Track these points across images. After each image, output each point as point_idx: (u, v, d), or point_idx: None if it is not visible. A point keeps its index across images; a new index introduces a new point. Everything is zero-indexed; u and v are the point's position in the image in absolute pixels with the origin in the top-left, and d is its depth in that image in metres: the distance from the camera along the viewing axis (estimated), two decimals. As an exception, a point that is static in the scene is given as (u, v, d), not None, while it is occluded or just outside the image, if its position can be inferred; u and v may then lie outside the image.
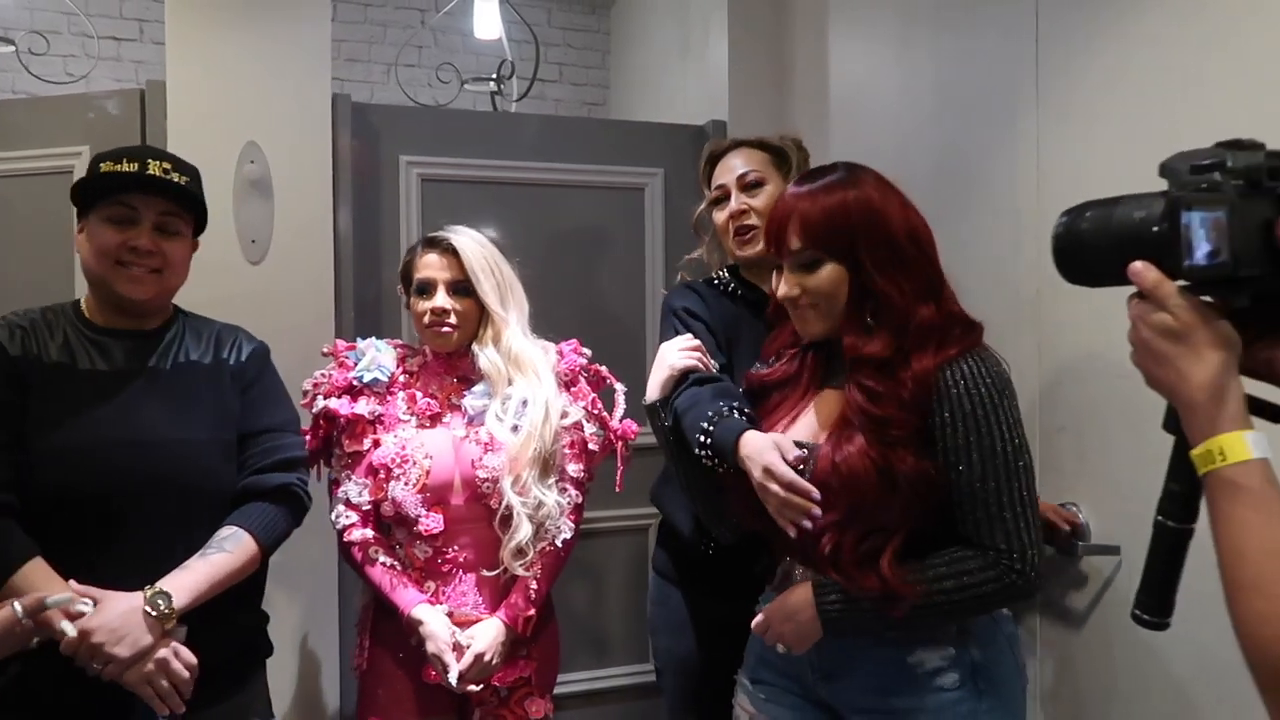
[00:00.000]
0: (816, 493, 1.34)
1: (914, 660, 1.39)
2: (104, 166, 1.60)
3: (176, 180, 1.61)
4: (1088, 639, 1.71)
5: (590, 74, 4.14)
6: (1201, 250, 0.77)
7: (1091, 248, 0.84)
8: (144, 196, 1.60)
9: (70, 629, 0.94)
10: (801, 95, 2.63)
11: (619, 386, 1.97)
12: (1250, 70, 1.39)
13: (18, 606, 0.91)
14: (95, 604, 1.46)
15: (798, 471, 1.37)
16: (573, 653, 2.51)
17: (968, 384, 1.33)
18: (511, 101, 3.22)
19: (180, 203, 1.63)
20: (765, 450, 1.39)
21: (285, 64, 2.30)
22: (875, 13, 2.36)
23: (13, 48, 2.72)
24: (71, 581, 1.47)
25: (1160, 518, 0.87)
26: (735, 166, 1.92)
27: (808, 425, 1.47)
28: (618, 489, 1.93)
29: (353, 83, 3.73)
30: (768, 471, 1.37)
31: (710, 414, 1.53)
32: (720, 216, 1.93)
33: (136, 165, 1.59)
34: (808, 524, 1.35)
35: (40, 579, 1.46)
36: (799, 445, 1.41)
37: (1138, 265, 0.80)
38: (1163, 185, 0.82)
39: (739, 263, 1.96)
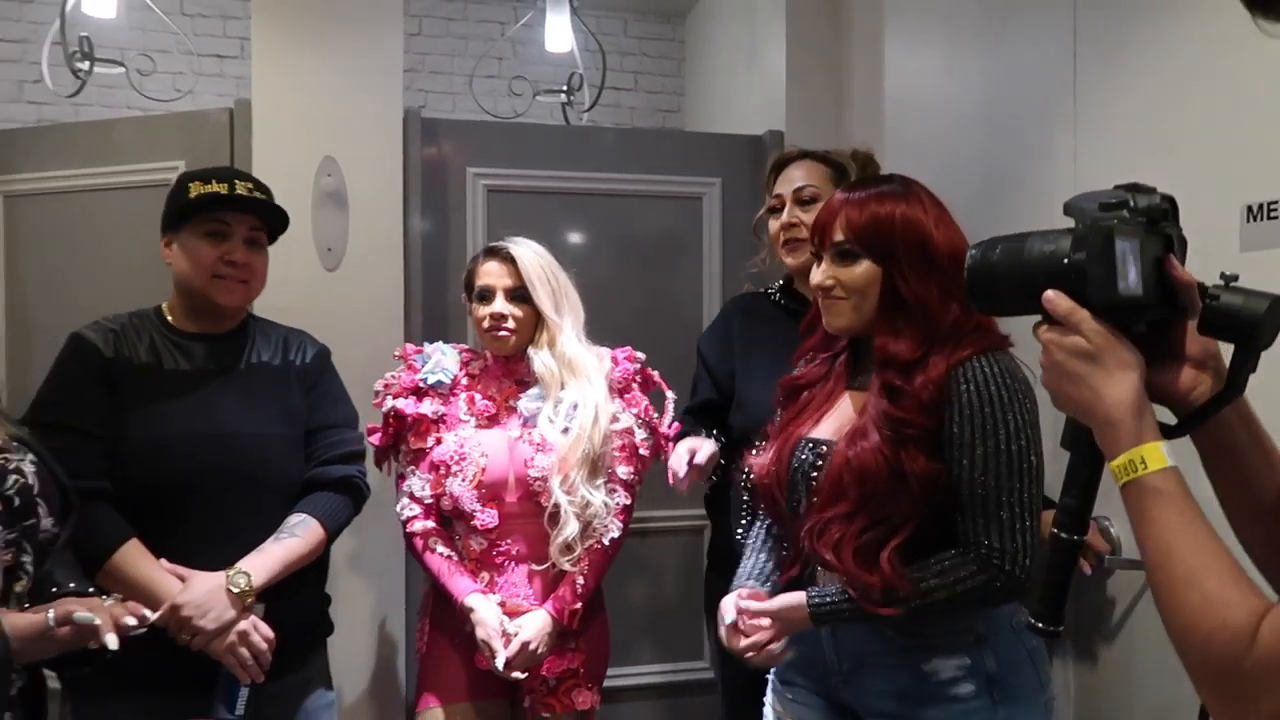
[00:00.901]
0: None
1: (929, 668, 1.41)
2: (194, 186, 1.76)
3: (261, 198, 1.77)
4: (1116, 655, 1.71)
5: (665, 82, 4.21)
6: (1131, 276, 0.82)
7: (1003, 278, 0.89)
8: (236, 214, 1.76)
9: (113, 640, 1.06)
10: (857, 105, 2.66)
11: (669, 394, 2.04)
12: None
13: (50, 615, 1.03)
14: (184, 582, 1.63)
15: (815, 466, 1.45)
16: (629, 647, 2.60)
17: (977, 383, 1.36)
18: (582, 112, 3.32)
19: (264, 218, 1.79)
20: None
21: (360, 83, 2.45)
22: (927, 25, 2.38)
23: (123, 69, 2.95)
24: (162, 560, 1.65)
25: (1056, 531, 0.90)
26: (794, 179, 1.98)
27: (831, 423, 1.51)
28: (671, 483, 1.98)
29: (435, 94, 3.89)
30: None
31: None
32: (774, 225, 2.00)
33: (226, 186, 1.75)
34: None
35: (136, 559, 1.64)
36: (820, 443, 1.47)
37: (1050, 294, 0.85)
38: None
39: (788, 271, 2.03)
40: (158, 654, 1.58)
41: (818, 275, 1.49)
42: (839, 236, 1.46)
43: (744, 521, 2.00)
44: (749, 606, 1.46)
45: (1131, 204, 0.84)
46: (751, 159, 2.71)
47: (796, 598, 1.44)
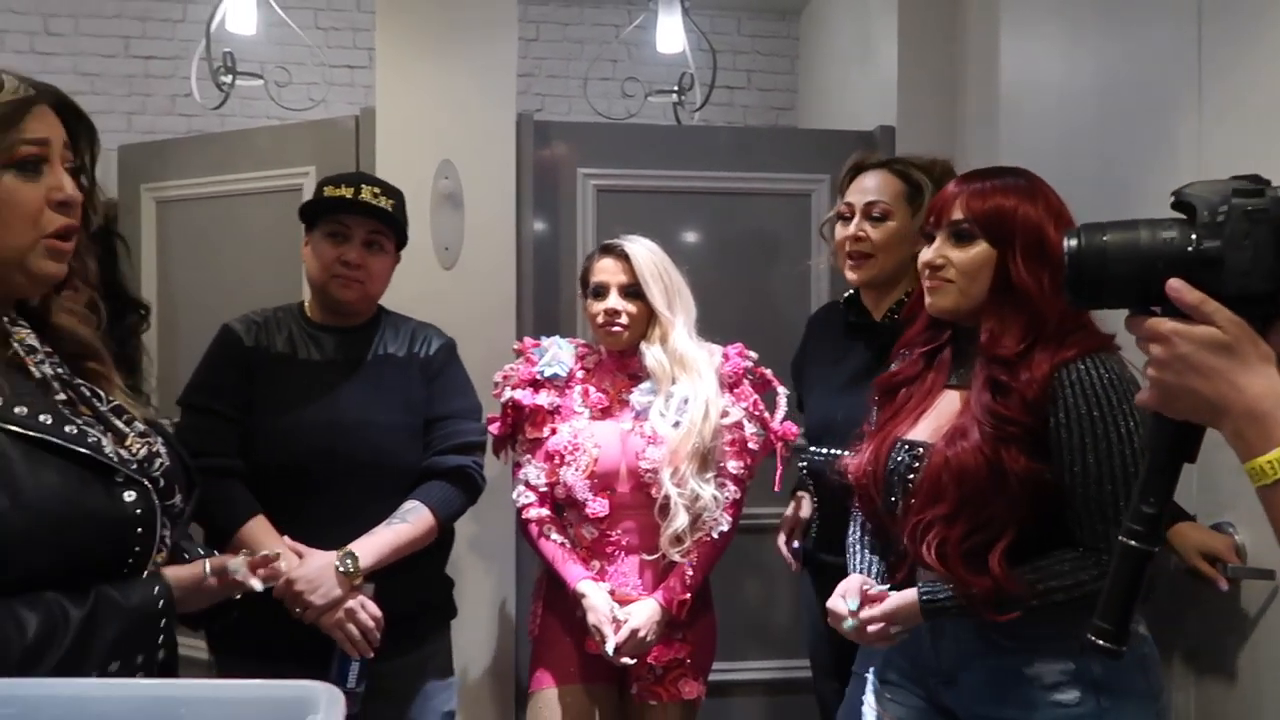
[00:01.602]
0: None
1: (1032, 672, 1.38)
2: (327, 190, 1.88)
3: (383, 205, 1.87)
4: (1238, 665, 1.63)
5: (778, 80, 4.20)
6: (1269, 266, 0.79)
7: (1115, 265, 0.84)
8: (355, 217, 1.86)
9: (258, 584, 1.18)
10: (971, 98, 2.60)
11: (781, 390, 2.06)
12: None
13: (207, 566, 1.14)
14: (301, 558, 1.74)
15: (911, 468, 1.44)
16: (738, 643, 2.62)
17: (1083, 385, 1.33)
18: (693, 111, 3.35)
19: (384, 223, 1.88)
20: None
21: (476, 89, 2.55)
22: (1043, 12, 2.31)
23: (261, 80, 3.15)
24: (285, 538, 1.76)
25: (1126, 539, 0.86)
26: (868, 189, 1.94)
27: (929, 424, 1.50)
28: (776, 488, 2.02)
29: (551, 98, 3.99)
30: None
31: None
32: (840, 235, 1.97)
33: (352, 190, 1.86)
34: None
35: (261, 533, 1.76)
36: (917, 445, 1.46)
37: (1176, 282, 0.81)
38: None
39: (850, 284, 2.01)
40: (290, 626, 1.71)
41: (928, 253, 1.47)
42: (957, 215, 1.44)
43: (816, 521, 2.04)
44: (868, 615, 1.45)
45: (1267, 192, 0.80)
46: (861, 155, 2.68)
47: (908, 596, 1.43)
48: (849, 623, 1.46)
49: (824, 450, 1.99)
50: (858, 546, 1.62)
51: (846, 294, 2.08)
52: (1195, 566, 1.65)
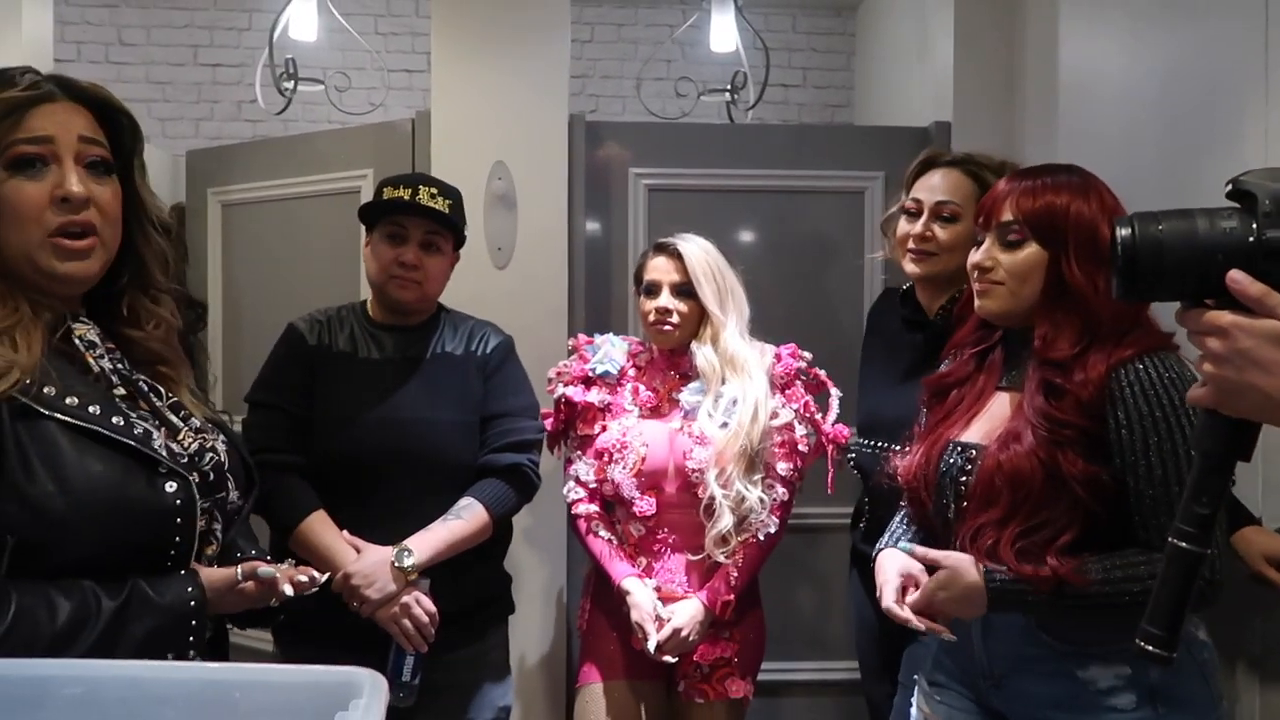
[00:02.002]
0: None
1: (1086, 677, 1.35)
2: (386, 191, 1.91)
3: (439, 206, 1.89)
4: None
5: (834, 76, 4.17)
6: None
7: (1172, 257, 0.81)
8: (413, 218, 1.89)
9: (289, 589, 1.19)
10: (1029, 92, 2.56)
11: (834, 391, 2.05)
12: None
13: (239, 570, 1.16)
14: (359, 552, 1.77)
15: (964, 471, 1.41)
16: (788, 643, 2.61)
17: (1143, 385, 1.30)
18: (746, 109, 3.34)
19: (441, 224, 1.91)
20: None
21: (529, 91, 2.58)
22: (1105, 3, 2.26)
23: (321, 85, 3.23)
24: (344, 532, 1.80)
25: (1177, 541, 0.83)
26: (938, 188, 1.88)
27: (982, 426, 1.47)
28: (829, 491, 2.01)
29: (605, 99, 4.02)
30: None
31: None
32: (903, 229, 1.93)
33: (409, 191, 1.88)
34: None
35: (320, 528, 1.80)
36: (970, 447, 1.43)
37: (1237, 274, 0.78)
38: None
39: (909, 277, 1.98)
40: (350, 619, 1.75)
41: (977, 255, 1.45)
42: (1007, 216, 1.41)
43: (862, 525, 2.02)
44: (918, 551, 1.41)
45: None
46: (915, 152, 2.63)
47: (967, 561, 1.36)
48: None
49: (872, 443, 1.97)
50: (899, 533, 1.59)
51: (905, 285, 2.05)
52: (1260, 572, 1.61)
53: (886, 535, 1.58)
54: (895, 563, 1.44)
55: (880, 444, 1.92)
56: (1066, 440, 1.32)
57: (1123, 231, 0.83)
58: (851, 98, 4.14)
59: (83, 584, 1.02)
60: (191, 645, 1.08)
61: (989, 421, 1.46)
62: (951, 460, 1.46)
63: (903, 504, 1.60)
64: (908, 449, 1.55)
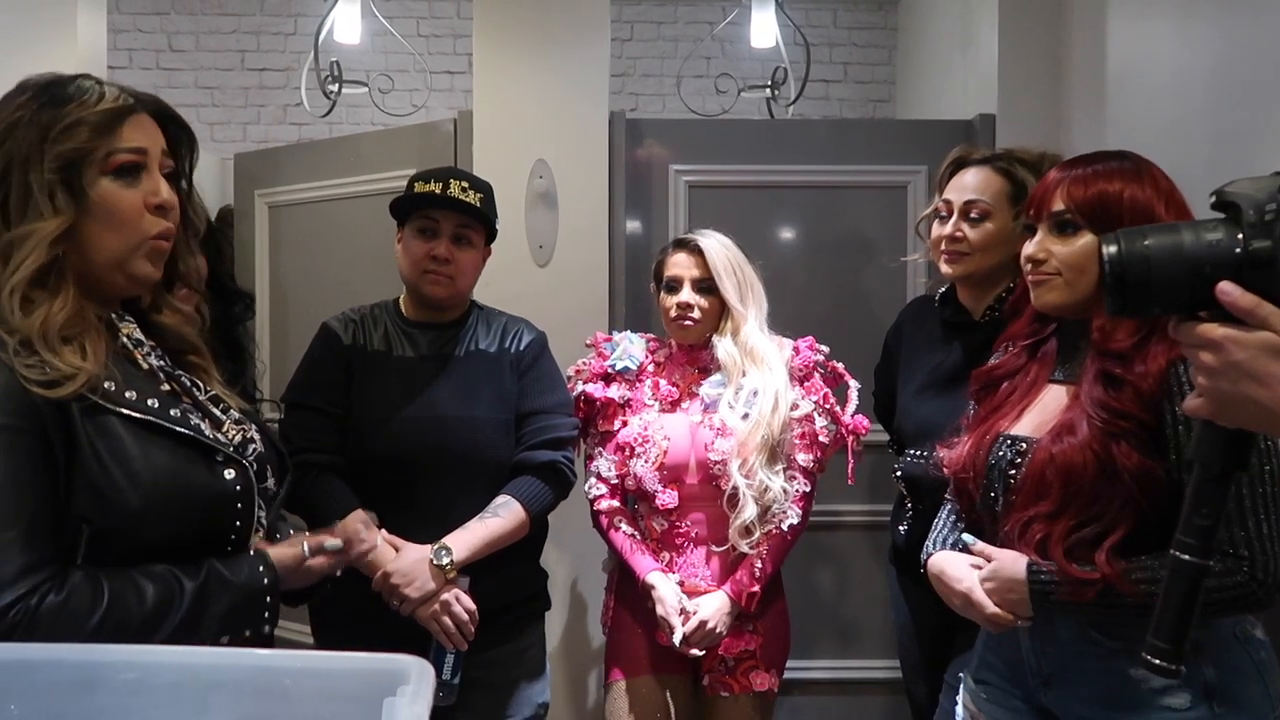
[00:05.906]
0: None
1: (1137, 674, 1.32)
2: (417, 185, 1.90)
3: (470, 199, 1.88)
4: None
5: (876, 71, 4.14)
6: None
7: (1160, 270, 0.81)
8: (444, 212, 1.89)
9: (364, 542, 1.26)
10: (1076, 83, 2.51)
11: (853, 383, 2.05)
12: None
13: (305, 546, 1.20)
14: (397, 551, 1.78)
15: (1013, 464, 1.39)
16: (816, 641, 2.61)
17: None
18: (786, 105, 3.33)
19: (473, 216, 1.91)
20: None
21: (569, 90, 2.60)
22: (1155, -7, 2.21)
23: (365, 88, 3.28)
24: (383, 531, 1.80)
25: (1179, 553, 0.83)
26: (968, 188, 1.86)
27: (1033, 419, 1.44)
28: (849, 481, 2.02)
29: (645, 96, 4.02)
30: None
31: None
32: (936, 231, 1.91)
33: (440, 186, 1.88)
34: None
35: (359, 529, 1.82)
36: (1020, 440, 1.41)
37: (1227, 286, 0.78)
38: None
39: (947, 279, 1.95)
40: (390, 616, 1.76)
41: (1030, 247, 1.42)
42: (1059, 205, 1.38)
43: (908, 519, 1.98)
44: (976, 546, 1.42)
45: None
46: (958, 145, 2.62)
47: (1015, 558, 1.36)
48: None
49: (923, 455, 1.93)
50: (946, 529, 1.57)
51: (942, 289, 2.02)
52: None
53: (933, 533, 1.57)
54: (963, 562, 1.44)
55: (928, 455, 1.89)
56: (1122, 432, 1.30)
57: (1109, 249, 0.84)
58: (893, 92, 4.10)
59: (159, 568, 1.07)
60: (267, 621, 1.13)
61: (1040, 414, 1.44)
62: (1001, 453, 1.44)
63: (947, 497, 1.58)
64: (955, 441, 1.53)
